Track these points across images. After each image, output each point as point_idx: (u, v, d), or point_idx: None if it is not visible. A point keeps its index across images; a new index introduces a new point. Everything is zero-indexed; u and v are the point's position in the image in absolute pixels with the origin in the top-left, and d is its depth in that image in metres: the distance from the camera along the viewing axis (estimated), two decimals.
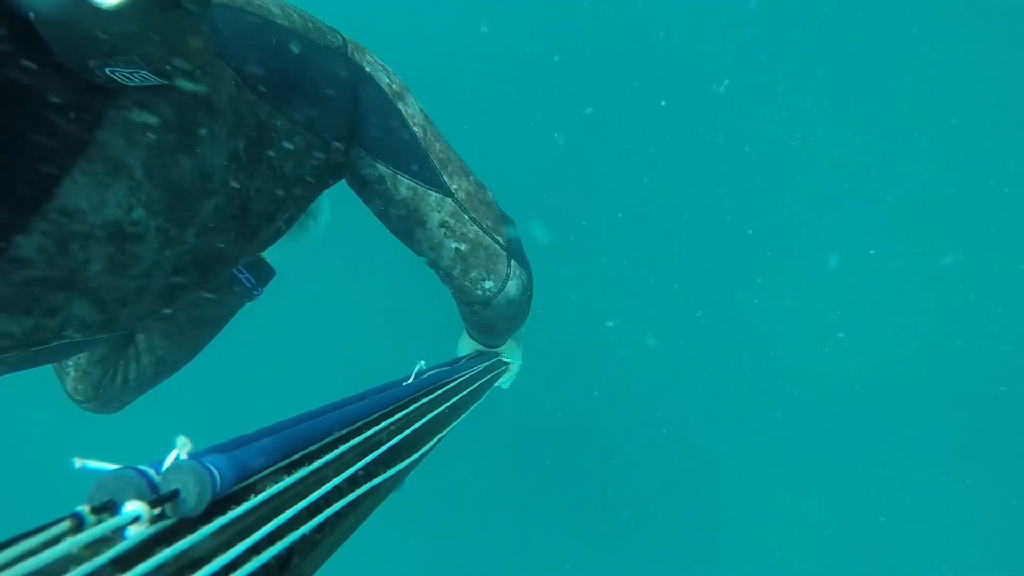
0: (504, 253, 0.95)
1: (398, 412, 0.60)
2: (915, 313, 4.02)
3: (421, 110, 0.86)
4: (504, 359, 1.33)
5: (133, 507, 0.27)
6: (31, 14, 0.41)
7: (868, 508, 4.14)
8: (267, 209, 0.72)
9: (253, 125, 0.65)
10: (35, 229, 0.49)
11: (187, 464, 0.31)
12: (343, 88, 0.75)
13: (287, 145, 0.70)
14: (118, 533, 0.27)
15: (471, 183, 0.92)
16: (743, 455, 4.21)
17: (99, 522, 0.26)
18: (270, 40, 0.67)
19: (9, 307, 0.53)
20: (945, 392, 4.00)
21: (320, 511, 0.37)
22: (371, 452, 0.48)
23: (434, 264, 0.96)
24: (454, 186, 0.88)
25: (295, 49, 0.69)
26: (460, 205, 0.89)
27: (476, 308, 1.02)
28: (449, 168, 0.88)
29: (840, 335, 4.07)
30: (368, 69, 0.79)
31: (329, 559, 0.39)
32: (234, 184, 0.65)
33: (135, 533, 0.27)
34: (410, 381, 0.75)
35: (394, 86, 0.82)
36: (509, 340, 1.35)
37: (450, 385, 0.82)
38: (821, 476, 4.16)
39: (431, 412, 0.66)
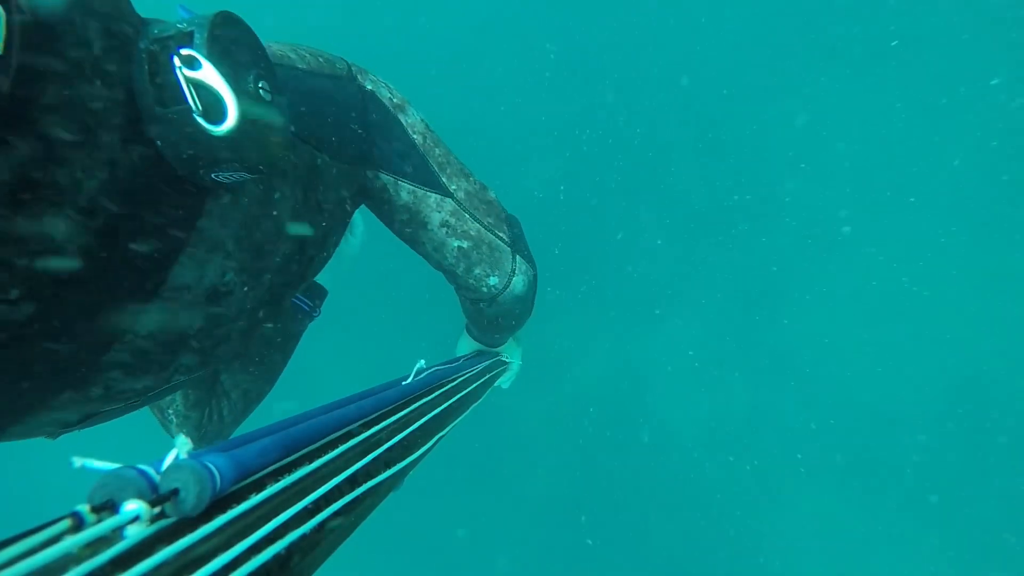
0: (508, 249, 0.97)
1: (398, 412, 0.60)
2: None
3: (421, 119, 0.90)
4: (504, 359, 1.33)
5: (133, 506, 0.27)
6: (159, 142, 0.52)
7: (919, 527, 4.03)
8: (319, 240, 0.80)
9: (305, 171, 0.74)
10: (152, 308, 0.58)
11: (187, 463, 0.31)
12: (359, 112, 0.82)
13: (328, 179, 0.78)
14: (118, 532, 0.27)
15: (471, 183, 0.94)
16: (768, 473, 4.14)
17: (99, 521, 0.26)
18: (301, 87, 0.75)
19: (135, 371, 0.63)
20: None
21: (320, 511, 0.37)
22: (371, 452, 0.48)
23: (439, 265, 0.98)
24: (453, 186, 0.90)
25: (320, 88, 0.77)
26: (460, 204, 0.91)
27: (482, 305, 1.03)
28: (448, 170, 0.90)
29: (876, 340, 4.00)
30: (371, 87, 0.84)
31: (329, 559, 0.39)
32: (297, 230, 0.74)
33: (135, 532, 0.27)
34: (409, 380, 0.75)
35: (395, 100, 0.87)
36: (509, 340, 1.35)
37: (450, 385, 0.82)
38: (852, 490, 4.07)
39: (431, 412, 0.66)
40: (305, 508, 0.36)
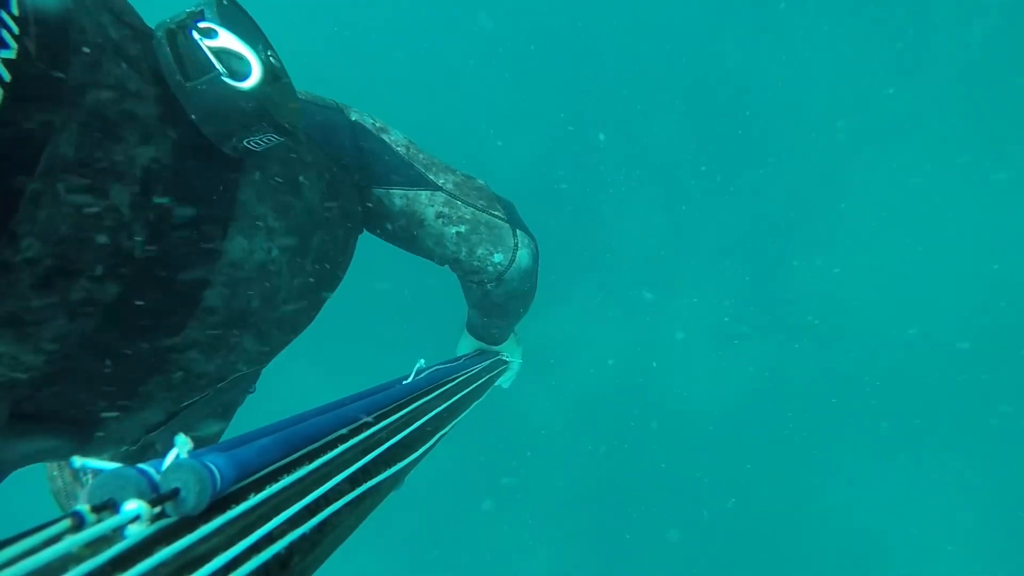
0: (507, 225, 0.99)
1: (398, 411, 0.60)
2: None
3: (404, 136, 0.97)
4: (504, 358, 1.33)
5: (133, 506, 0.27)
6: (192, 115, 0.55)
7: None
8: (343, 242, 0.87)
9: (325, 170, 0.80)
10: (216, 282, 0.62)
11: (187, 463, 0.31)
12: (351, 139, 0.90)
13: (343, 189, 0.85)
14: (118, 532, 0.27)
15: (458, 176, 0.98)
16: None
17: (99, 521, 0.26)
18: (306, 109, 0.83)
19: (207, 350, 0.66)
20: None
21: (320, 510, 0.37)
22: (371, 451, 0.48)
23: (442, 258, 1.00)
24: (441, 180, 0.95)
25: (319, 117, 0.86)
26: (450, 194, 0.95)
27: (490, 287, 1.04)
28: (434, 169, 0.96)
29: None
30: (355, 118, 0.91)
31: (329, 558, 0.39)
32: (327, 215, 0.80)
33: (135, 532, 0.27)
34: (410, 380, 0.75)
35: (377, 124, 0.94)
36: (510, 338, 1.35)
37: (450, 384, 0.82)
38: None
39: (431, 411, 0.66)
40: (305, 507, 0.36)
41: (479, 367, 1.06)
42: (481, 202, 0.98)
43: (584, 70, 4.63)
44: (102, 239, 0.49)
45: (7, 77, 0.39)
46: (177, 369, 0.65)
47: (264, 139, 0.60)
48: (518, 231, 1.00)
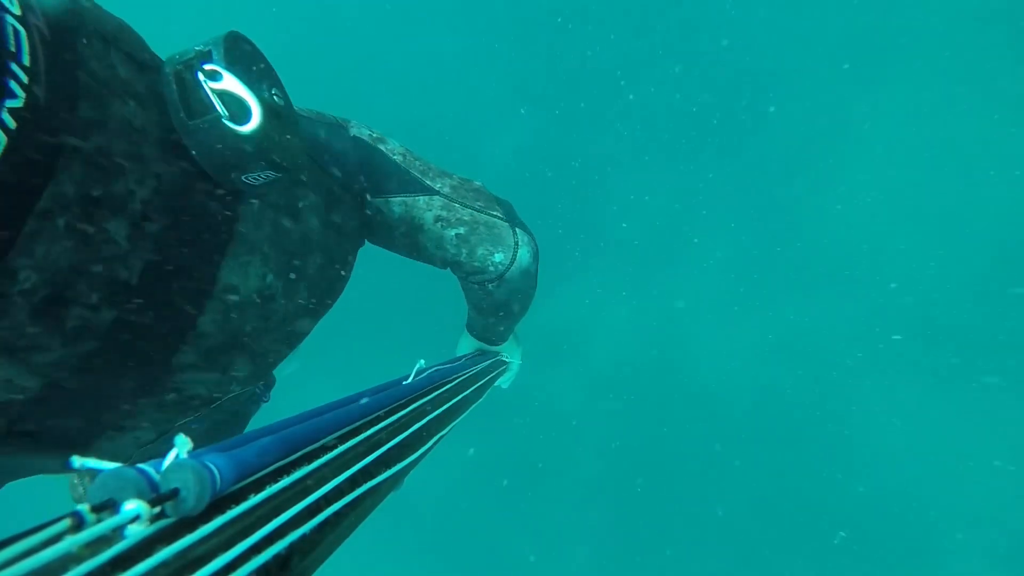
0: (506, 224, 1.00)
1: (398, 412, 0.60)
2: None
3: (400, 144, 0.97)
4: (504, 358, 1.33)
5: (133, 506, 0.27)
6: (194, 151, 0.58)
7: None
8: (343, 258, 0.89)
9: (324, 190, 0.82)
10: (209, 309, 0.65)
11: (187, 463, 0.31)
12: (351, 154, 0.91)
13: (343, 206, 0.87)
14: (118, 532, 0.27)
15: (454, 179, 0.99)
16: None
17: (99, 521, 0.26)
18: (306, 132, 0.84)
19: (200, 373, 0.68)
20: None
21: (320, 511, 0.37)
22: (371, 452, 0.48)
23: (443, 261, 1.00)
24: (438, 185, 0.96)
25: (321, 134, 0.87)
26: (447, 197, 0.96)
27: (491, 287, 1.04)
28: (430, 174, 0.96)
29: None
30: (354, 132, 0.93)
31: (329, 559, 0.39)
32: (326, 236, 0.82)
33: (135, 532, 0.27)
34: (409, 380, 0.75)
35: (374, 135, 0.94)
36: (510, 338, 1.35)
37: (450, 385, 0.82)
38: None
39: (431, 412, 0.66)
40: (305, 508, 0.36)
41: (479, 367, 1.06)
42: (479, 203, 0.98)
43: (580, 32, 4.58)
44: (98, 269, 0.51)
45: (12, 125, 0.41)
46: (170, 391, 0.67)
47: (262, 175, 0.63)
48: (518, 230, 1.00)
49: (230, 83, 0.57)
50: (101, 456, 0.66)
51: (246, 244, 0.67)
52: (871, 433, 4.00)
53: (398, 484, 0.55)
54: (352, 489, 0.42)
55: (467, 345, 1.33)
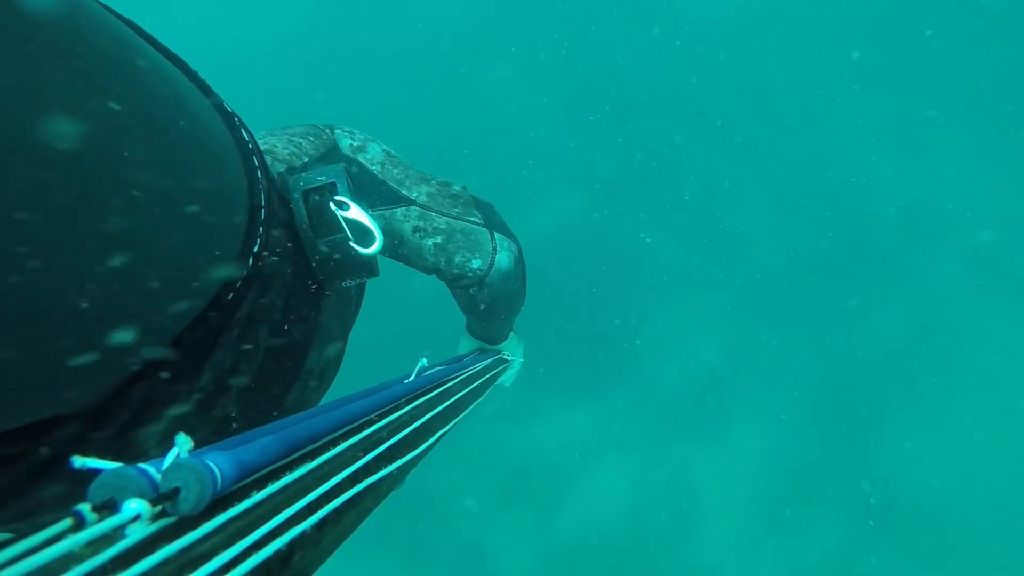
0: (484, 229, 0.99)
1: (399, 409, 0.60)
2: None
3: (381, 150, 0.97)
4: (505, 356, 1.33)
5: (134, 505, 0.27)
6: (313, 263, 0.71)
7: None
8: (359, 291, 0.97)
9: None
10: (294, 387, 0.73)
11: (188, 462, 0.31)
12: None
13: None
14: (119, 531, 0.27)
15: (431, 185, 0.97)
16: None
17: (100, 520, 0.26)
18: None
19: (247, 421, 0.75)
20: None
21: (321, 508, 0.37)
22: (372, 449, 0.48)
23: (426, 269, 1.00)
24: (414, 194, 0.95)
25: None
26: (423, 206, 0.95)
27: (472, 291, 1.04)
28: (407, 182, 0.96)
29: None
30: (345, 152, 0.94)
31: (330, 556, 0.39)
32: (357, 292, 0.94)
33: (136, 531, 0.27)
34: (411, 378, 0.75)
35: (355, 144, 0.96)
36: (511, 336, 1.35)
37: (452, 383, 0.82)
38: None
39: (433, 409, 0.66)
40: (306, 506, 0.36)
41: (480, 366, 1.07)
42: (456, 210, 0.97)
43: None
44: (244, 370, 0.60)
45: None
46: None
47: (359, 280, 0.76)
48: (496, 234, 1.00)
49: (357, 213, 0.71)
50: None
51: (325, 331, 0.76)
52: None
53: (399, 482, 0.55)
54: (353, 486, 0.42)
55: (468, 344, 1.33)
